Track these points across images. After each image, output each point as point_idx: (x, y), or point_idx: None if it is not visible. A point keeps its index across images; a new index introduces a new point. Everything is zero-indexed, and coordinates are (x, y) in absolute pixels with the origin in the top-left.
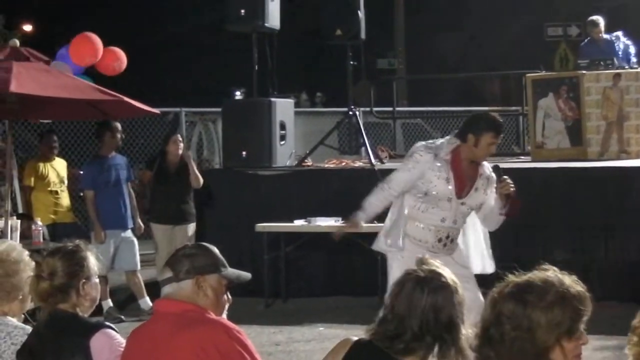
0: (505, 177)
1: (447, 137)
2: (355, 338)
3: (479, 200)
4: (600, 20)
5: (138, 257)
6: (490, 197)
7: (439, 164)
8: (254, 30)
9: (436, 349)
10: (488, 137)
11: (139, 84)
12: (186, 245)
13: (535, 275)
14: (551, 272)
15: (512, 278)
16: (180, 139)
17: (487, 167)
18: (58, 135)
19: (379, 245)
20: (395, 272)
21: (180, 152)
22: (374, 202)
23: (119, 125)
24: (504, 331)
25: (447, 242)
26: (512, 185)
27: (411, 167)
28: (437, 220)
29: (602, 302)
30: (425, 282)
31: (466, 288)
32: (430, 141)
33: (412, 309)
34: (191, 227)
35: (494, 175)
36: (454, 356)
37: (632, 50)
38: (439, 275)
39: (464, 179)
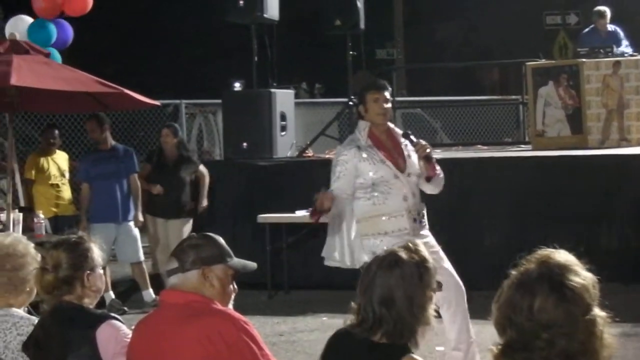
0: (419, 140)
1: (357, 126)
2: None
3: (417, 165)
4: (608, 12)
5: (140, 248)
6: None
7: (365, 154)
8: (253, 21)
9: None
10: (370, 96)
11: (139, 75)
12: (192, 235)
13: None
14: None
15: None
16: (168, 131)
17: (399, 133)
18: (60, 129)
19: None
20: None
21: (171, 140)
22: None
23: (103, 117)
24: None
25: (421, 219)
26: (428, 146)
27: (342, 172)
28: (400, 201)
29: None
30: (379, 261)
31: (444, 282)
32: (346, 139)
33: (367, 290)
34: (186, 222)
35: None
36: (417, 335)
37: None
38: (393, 254)
39: (394, 154)
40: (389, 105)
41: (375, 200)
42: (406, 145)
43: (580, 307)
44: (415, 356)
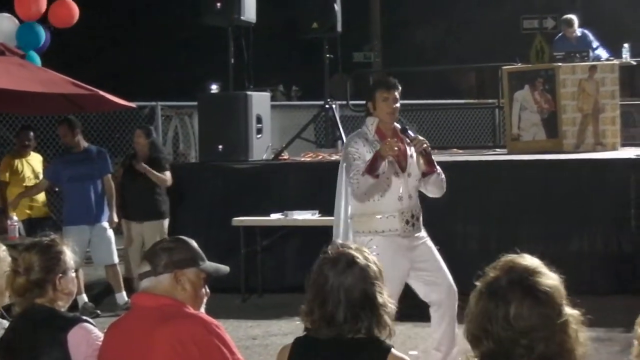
0: (417, 135)
1: (365, 121)
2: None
3: (419, 166)
4: (575, 19)
5: (114, 251)
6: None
7: (372, 147)
8: (230, 24)
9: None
10: (379, 94)
11: (115, 77)
12: (164, 238)
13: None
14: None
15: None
16: (140, 132)
17: (398, 129)
18: (34, 130)
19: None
20: None
21: (143, 141)
22: (365, 189)
23: (73, 122)
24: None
25: (414, 222)
26: (425, 141)
27: (357, 158)
28: (395, 201)
29: (576, 295)
30: (332, 263)
31: (436, 283)
32: (353, 133)
33: (323, 293)
34: (162, 223)
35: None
36: (377, 331)
37: (604, 53)
38: (347, 254)
39: (398, 151)
40: (398, 104)
41: (374, 196)
42: (410, 143)
43: (554, 308)
44: (396, 353)
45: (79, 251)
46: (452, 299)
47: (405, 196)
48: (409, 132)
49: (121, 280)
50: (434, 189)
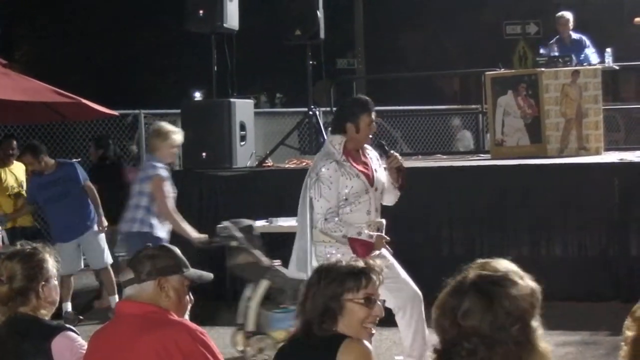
0: (392, 151)
1: (327, 140)
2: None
3: (383, 179)
4: (566, 15)
5: (104, 253)
6: (384, 173)
7: (342, 169)
8: (213, 31)
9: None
10: (365, 118)
11: (97, 85)
12: (148, 246)
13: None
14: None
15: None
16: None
17: (367, 146)
18: (17, 139)
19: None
20: None
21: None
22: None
23: (36, 147)
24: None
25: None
26: (400, 158)
27: (330, 185)
28: (364, 214)
29: (558, 301)
30: (323, 272)
31: (399, 289)
32: (320, 153)
33: (311, 299)
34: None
35: (375, 152)
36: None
37: (595, 58)
38: (338, 264)
39: (366, 168)
40: None
41: (344, 209)
42: (371, 158)
43: (508, 319)
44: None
45: (75, 261)
46: (417, 304)
47: (372, 210)
48: (385, 147)
49: (114, 283)
50: (392, 199)
